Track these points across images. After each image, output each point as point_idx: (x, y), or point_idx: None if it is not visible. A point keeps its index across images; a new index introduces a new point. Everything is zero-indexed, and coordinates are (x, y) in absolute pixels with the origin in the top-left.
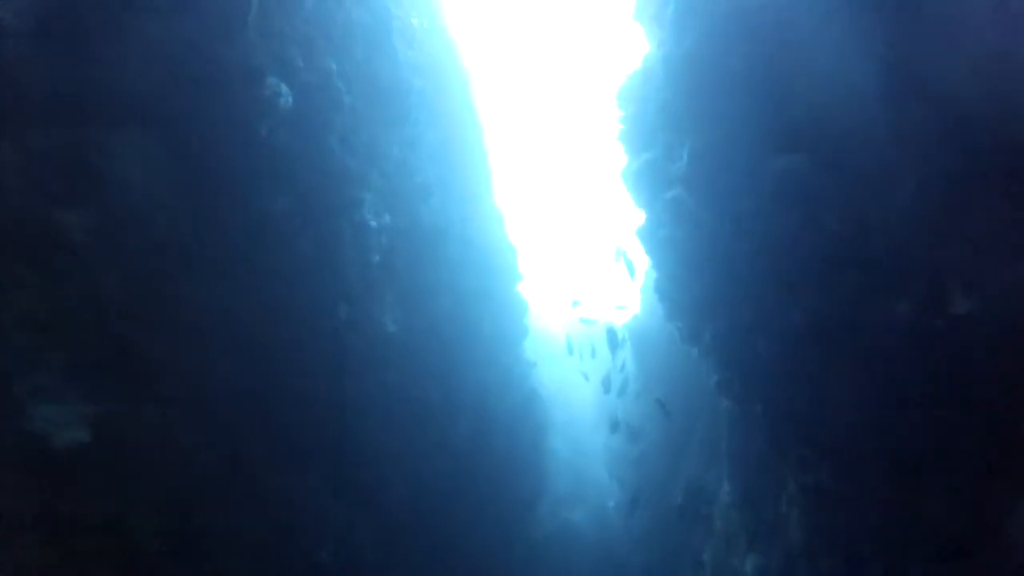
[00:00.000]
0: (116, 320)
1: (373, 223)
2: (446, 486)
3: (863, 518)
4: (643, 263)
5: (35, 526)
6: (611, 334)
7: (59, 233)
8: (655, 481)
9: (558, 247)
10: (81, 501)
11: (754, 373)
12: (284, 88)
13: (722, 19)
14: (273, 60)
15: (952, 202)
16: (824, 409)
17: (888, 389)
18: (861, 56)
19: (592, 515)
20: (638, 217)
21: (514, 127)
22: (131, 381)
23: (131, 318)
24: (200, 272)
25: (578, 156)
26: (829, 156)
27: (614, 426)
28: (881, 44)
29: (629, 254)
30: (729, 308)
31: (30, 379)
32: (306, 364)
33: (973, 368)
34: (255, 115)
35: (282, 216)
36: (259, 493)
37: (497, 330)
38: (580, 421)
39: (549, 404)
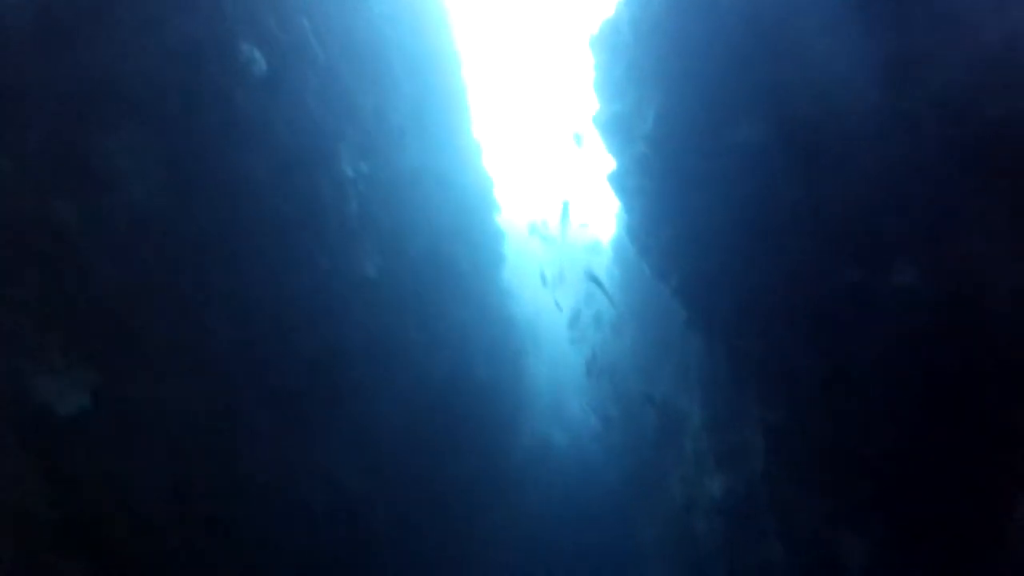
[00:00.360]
0: (109, 295)
1: (350, 173)
2: (430, 418)
3: (816, 454)
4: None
5: (42, 491)
6: (564, 209)
7: (52, 220)
8: (630, 402)
9: (533, 167)
10: (85, 463)
11: (716, 320)
12: (258, 54)
13: None
14: (246, 25)
15: (904, 177)
16: (780, 359)
17: (838, 347)
18: (822, 32)
19: (569, 433)
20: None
21: (493, 52)
22: (127, 350)
23: (122, 292)
24: (185, 241)
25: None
26: (788, 128)
27: (590, 369)
28: (844, 20)
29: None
30: (692, 259)
31: (33, 357)
32: (291, 316)
33: (915, 333)
34: (230, 84)
35: (263, 178)
36: (254, 444)
37: (474, 264)
38: (558, 341)
39: (528, 326)
